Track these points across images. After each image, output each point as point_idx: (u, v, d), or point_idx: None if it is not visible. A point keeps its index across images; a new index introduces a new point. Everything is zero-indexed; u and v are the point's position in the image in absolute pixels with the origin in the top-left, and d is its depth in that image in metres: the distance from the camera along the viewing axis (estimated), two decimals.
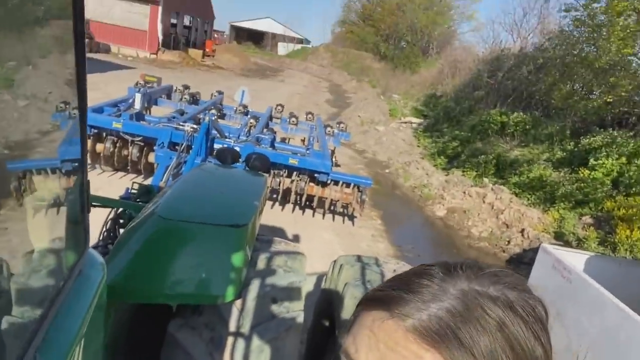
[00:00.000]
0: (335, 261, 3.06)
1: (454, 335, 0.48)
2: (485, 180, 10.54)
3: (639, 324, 2.54)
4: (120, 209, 2.98)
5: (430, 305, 0.51)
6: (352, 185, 7.05)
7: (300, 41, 60.32)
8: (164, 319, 2.10)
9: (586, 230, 8.03)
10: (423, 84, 27.03)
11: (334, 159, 7.82)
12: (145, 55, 26.33)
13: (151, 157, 6.89)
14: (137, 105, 7.82)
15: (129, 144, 6.95)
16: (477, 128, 14.37)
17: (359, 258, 2.99)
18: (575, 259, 4.62)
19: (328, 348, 3.00)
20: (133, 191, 3.43)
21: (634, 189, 8.56)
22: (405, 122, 18.68)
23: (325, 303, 3.01)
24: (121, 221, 2.93)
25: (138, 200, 3.22)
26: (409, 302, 0.52)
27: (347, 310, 2.53)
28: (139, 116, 7.53)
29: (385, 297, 0.54)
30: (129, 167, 7.14)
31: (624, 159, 9.43)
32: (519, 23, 25.08)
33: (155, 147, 6.48)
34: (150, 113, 8.72)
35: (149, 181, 5.73)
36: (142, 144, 6.96)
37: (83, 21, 0.81)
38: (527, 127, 13.36)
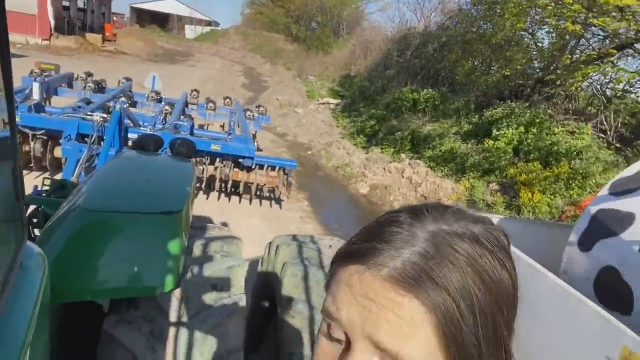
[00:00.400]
0: (270, 243, 3.05)
1: (428, 277, 0.50)
2: (403, 155, 11.03)
3: (547, 277, 2.82)
4: (33, 207, 2.74)
5: (402, 252, 0.51)
6: (277, 168, 7.02)
7: (209, 23, 58.18)
8: (98, 317, 1.98)
9: (494, 196, 8.74)
10: (337, 64, 27.36)
11: (256, 144, 7.72)
12: (36, 41, 23.97)
13: (57, 152, 6.34)
14: (36, 96, 7.14)
15: (30, 139, 6.34)
16: (392, 106, 14.89)
17: (294, 237, 3.00)
18: None
19: (269, 329, 3.01)
20: (45, 188, 3.15)
21: (532, 155, 9.41)
22: (323, 103, 18.89)
23: (263, 286, 3.00)
24: (35, 220, 2.69)
25: (52, 196, 2.96)
26: (383, 252, 0.52)
27: (288, 288, 2.54)
28: (39, 107, 6.86)
29: (359, 250, 0.54)
30: (31, 165, 6.52)
31: (522, 129, 10.32)
32: (422, 2, 26.11)
33: (61, 141, 5.98)
34: (50, 104, 7.99)
35: (58, 177, 5.30)
36: (45, 137, 6.38)
37: (4, 10, 0.72)
38: (436, 102, 14.09)
